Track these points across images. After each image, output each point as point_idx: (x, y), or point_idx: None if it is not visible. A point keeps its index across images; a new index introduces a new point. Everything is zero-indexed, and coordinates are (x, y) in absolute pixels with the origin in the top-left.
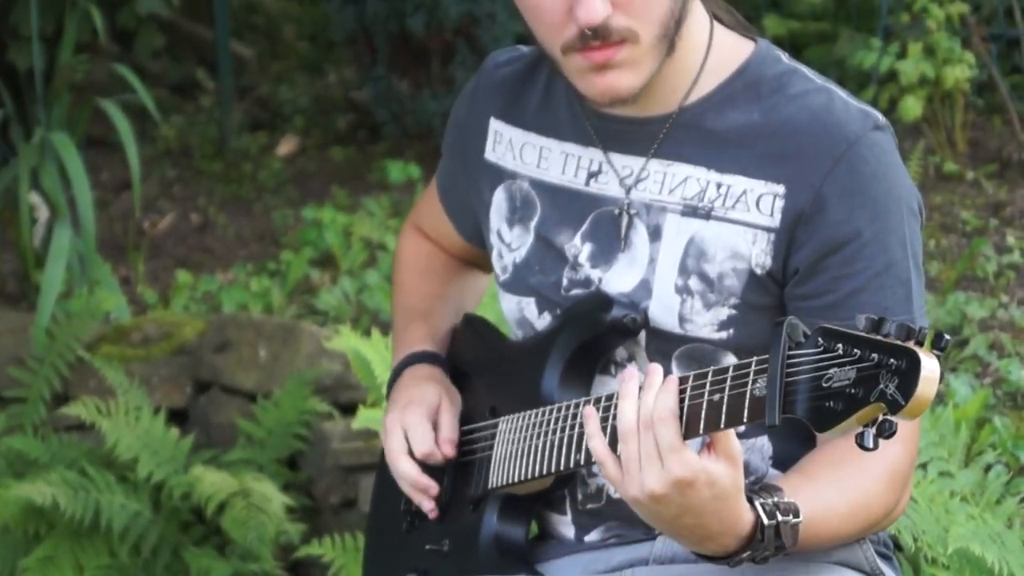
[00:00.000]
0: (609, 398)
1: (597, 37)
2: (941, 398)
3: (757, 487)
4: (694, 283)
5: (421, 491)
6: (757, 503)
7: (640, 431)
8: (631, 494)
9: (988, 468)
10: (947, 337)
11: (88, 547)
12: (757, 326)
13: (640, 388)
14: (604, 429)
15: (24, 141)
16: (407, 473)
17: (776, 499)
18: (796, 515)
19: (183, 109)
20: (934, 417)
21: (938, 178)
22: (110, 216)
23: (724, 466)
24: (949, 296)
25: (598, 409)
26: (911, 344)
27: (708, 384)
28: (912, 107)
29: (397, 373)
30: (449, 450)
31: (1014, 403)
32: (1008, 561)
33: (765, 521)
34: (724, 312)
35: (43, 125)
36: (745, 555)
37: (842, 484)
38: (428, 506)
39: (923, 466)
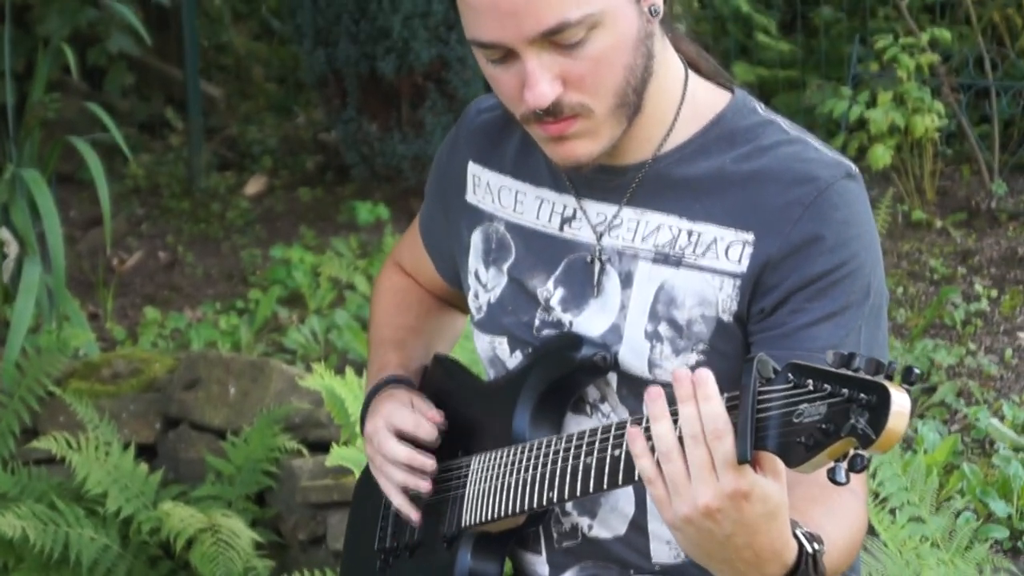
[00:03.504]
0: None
1: (549, 114)
2: (910, 444)
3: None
4: (664, 329)
5: (420, 469)
6: (798, 531)
7: (689, 445)
8: (682, 512)
9: (957, 514)
10: (917, 371)
11: None
12: (725, 372)
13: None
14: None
15: None
16: (400, 454)
17: (807, 529)
18: (821, 543)
19: (152, 147)
20: (903, 463)
21: (907, 226)
22: (78, 253)
23: (773, 482)
24: (917, 343)
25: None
26: (880, 378)
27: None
28: (881, 155)
29: (369, 399)
30: (436, 416)
31: (982, 450)
32: None
33: (808, 549)
34: (692, 358)
35: (14, 161)
36: None
37: (836, 520)
38: (425, 486)
39: (893, 512)
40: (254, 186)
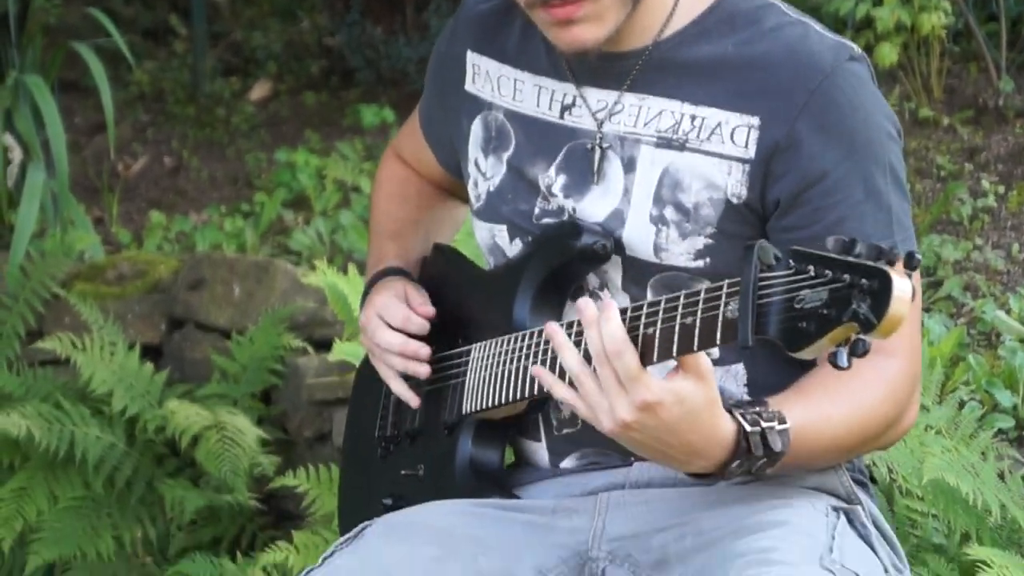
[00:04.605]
0: (570, 326)
1: None
2: None
3: (742, 402)
4: (670, 213)
5: (412, 356)
6: (737, 413)
7: (596, 366)
8: (607, 427)
9: (962, 405)
10: (918, 256)
11: (62, 478)
12: (733, 254)
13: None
14: (564, 376)
15: None
16: (393, 342)
17: (758, 409)
18: (782, 421)
19: (155, 54)
20: None
21: (913, 123)
22: (83, 159)
23: (691, 382)
24: (924, 239)
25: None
26: (882, 264)
27: (680, 307)
28: (888, 53)
29: (367, 290)
30: (426, 310)
31: (988, 342)
32: (983, 492)
33: (748, 428)
34: (700, 241)
35: (17, 67)
36: (735, 465)
37: (835, 395)
38: (424, 371)
39: None
40: (259, 91)
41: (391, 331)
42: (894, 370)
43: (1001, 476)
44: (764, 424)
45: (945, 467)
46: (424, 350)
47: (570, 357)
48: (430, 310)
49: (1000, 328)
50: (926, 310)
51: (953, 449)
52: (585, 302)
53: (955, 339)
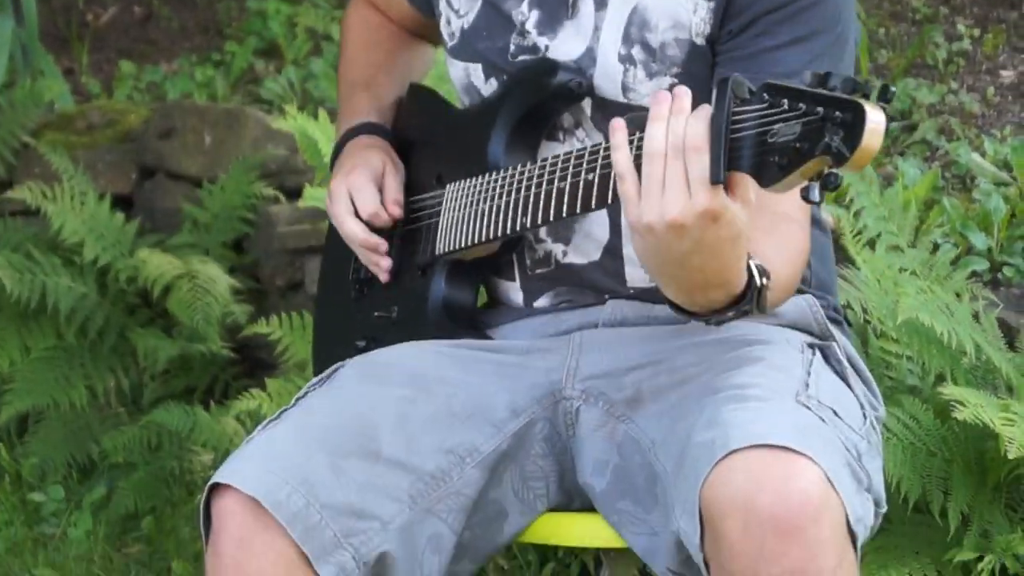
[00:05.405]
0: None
1: None
2: (890, 181)
3: None
4: (637, 52)
5: (371, 250)
6: (752, 262)
7: (669, 156)
8: (646, 219)
9: (936, 247)
10: (893, 89)
11: (35, 329)
12: (698, 96)
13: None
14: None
15: None
16: (355, 233)
17: (759, 262)
18: (770, 279)
19: None
20: (882, 197)
21: None
22: (52, 9)
23: (743, 208)
24: (899, 82)
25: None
26: (856, 97)
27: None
28: None
29: (340, 145)
30: (396, 210)
31: (963, 185)
32: (957, 331)
33: (757, 282)
34: (666, 81)
35: None
36: (730, 314)
37: (783, 253)
38: (385, 264)
39: (871, 243)
40: None
41: (356, 221)
42: (795, 234)
43: (976, 317)
44: (765, 280)
45: (919, 307)
46: (383, 246)
47: (659, 131)
48: (398, 210)
49: (975, 171)
50: (901, 154)
51: (927, 290)
52: (684, 89)
53: (930, 182)
